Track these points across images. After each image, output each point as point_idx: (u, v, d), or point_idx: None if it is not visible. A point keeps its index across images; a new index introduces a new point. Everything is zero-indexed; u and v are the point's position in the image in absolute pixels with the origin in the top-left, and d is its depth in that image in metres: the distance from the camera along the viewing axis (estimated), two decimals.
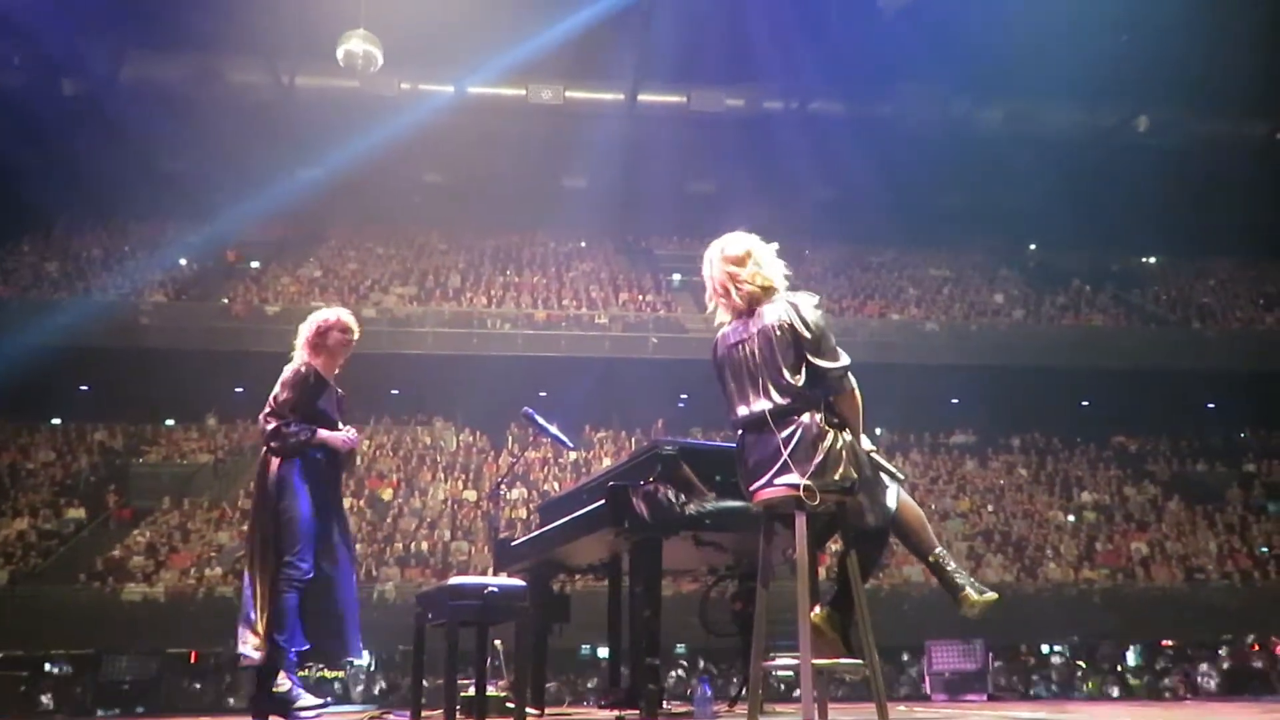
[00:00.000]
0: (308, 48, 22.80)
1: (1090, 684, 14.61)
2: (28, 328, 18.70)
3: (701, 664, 14.52)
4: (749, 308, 3.58)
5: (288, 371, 4.94)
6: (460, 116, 25.52)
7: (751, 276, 3.57)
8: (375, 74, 22.35)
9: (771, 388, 3.48)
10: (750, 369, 3.52)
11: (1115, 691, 14.17)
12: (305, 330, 5.01)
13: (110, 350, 20.10)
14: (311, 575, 4.66)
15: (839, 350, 3.49)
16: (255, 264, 25.56)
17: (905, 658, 14.80)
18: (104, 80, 24.24)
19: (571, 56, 23.52)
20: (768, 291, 3.58)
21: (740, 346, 3.56)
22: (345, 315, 5.08)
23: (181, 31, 22.46)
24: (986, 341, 23.36)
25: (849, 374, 3.49)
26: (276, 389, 4.88)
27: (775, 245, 3.66)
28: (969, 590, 3.54)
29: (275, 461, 4.79)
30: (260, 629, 4.58)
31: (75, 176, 21.67)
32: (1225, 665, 14.15)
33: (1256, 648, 14.25)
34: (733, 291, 3.59)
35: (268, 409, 4.83)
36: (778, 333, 3.48)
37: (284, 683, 4.62)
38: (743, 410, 3.54)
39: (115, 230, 25.65)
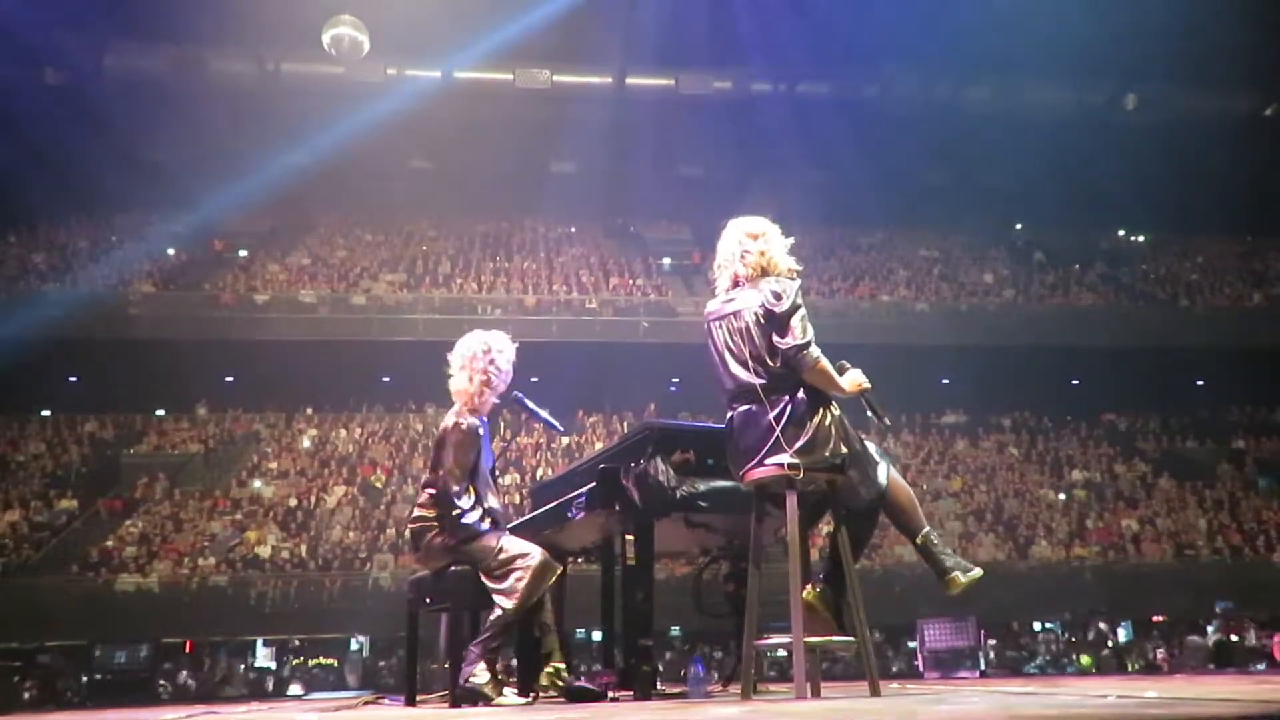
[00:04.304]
0: (293, 34, 22.66)
1: (1085, 659, 14.69)
2: (15, 320, 18.58)
3: (697, 646, 14.58)
4: (747, 280, 3.65)
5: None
6: (447, 102, 25.37)
7: (760, 252, 3.67)
8: (361, 60, 22.24)
9: (754, 365, 3.53)
10: (735, 344, 3.58)
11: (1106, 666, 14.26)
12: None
13: (99, 341, 20.00)
14: None
15: (801, 328, 3.49)
16: (243, 253, 25.41)
17: (904, 637, 14.88)
18: (87, 70, 24.04)
19: (558, 40, 23.39)
20: (767, 270, 3.64)
21: (729, 319, 3.63)
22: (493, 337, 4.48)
23: (164, 19, 22.29)
24: (976, 321, 23.38)
25: (809, 350, 3.46)
26: None
27: (792, 240, 3.78)
28: (956, 573, 3.58)
29: None
30: None
31: (60, 167, 21.49)
32: (1215, 639, 14.24)
33: (1249, 625, 14.33)
34: (738, 260, 3.69)
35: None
36: (750, 315, 3.54)
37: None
38: (728, 382, 3.60)
39: (101, 221, 25.49)
